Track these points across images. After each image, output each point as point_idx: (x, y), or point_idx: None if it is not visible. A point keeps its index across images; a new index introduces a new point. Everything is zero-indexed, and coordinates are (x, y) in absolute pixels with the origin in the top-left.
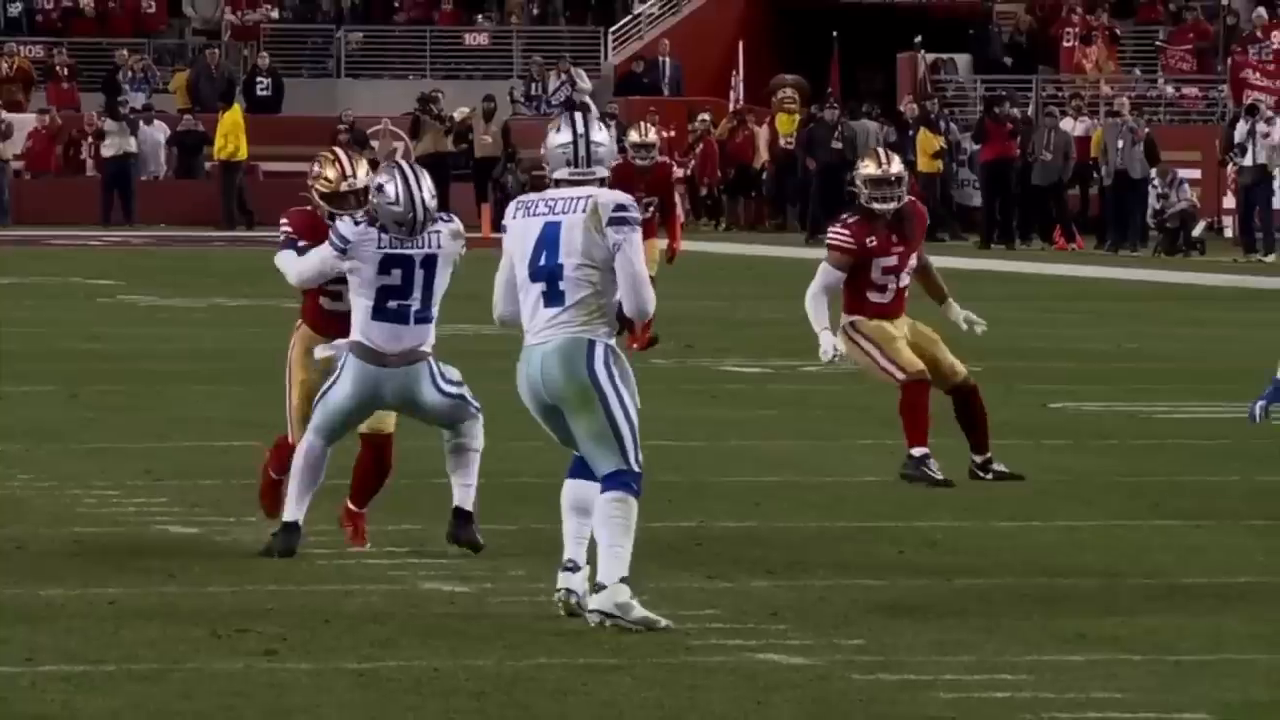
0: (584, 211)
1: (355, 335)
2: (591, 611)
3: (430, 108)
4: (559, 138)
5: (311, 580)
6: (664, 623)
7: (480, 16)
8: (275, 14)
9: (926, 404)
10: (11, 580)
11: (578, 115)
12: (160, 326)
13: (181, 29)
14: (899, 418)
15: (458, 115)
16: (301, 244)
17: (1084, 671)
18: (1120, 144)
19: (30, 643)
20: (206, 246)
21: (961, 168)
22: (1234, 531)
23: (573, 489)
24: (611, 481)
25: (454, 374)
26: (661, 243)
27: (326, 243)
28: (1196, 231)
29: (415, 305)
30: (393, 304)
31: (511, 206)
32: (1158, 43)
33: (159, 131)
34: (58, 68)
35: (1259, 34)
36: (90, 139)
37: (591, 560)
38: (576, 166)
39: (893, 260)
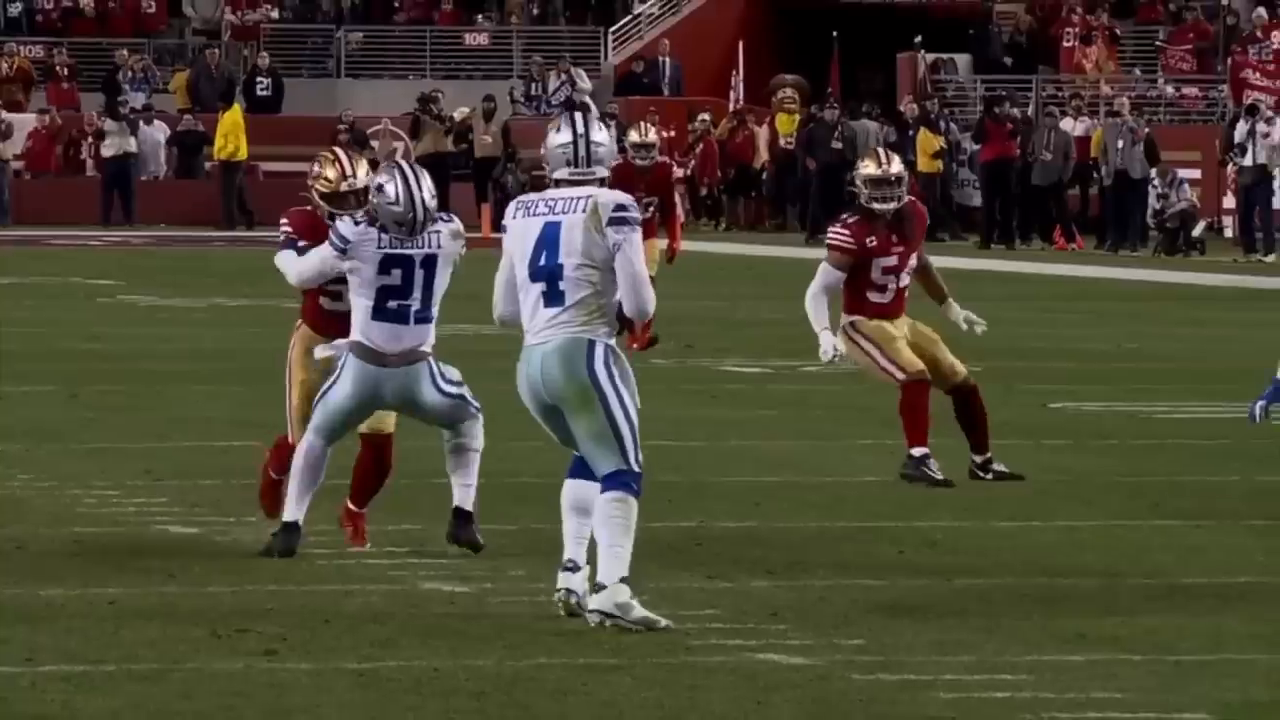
0: (584, 211)
1: (355, 335)
2: (591, 611)
3: (430, 108)
4: (559, 138)
5: (311, 580)
6: (664, 623)
7: (480, 16)
8: (275, 14)
9: (926, 404)
10: (11, 580)
11: (578, 115)
12: (160, 326)
13: (181, 29)
14: (899, 418)
15: (458, 115)
16: (301, 244)
17: (1084, 671)
18: (1120, 144)
19: (30, 643)
20: (206, 246)
21: (961, 168)
22: (1234, 531)
23: (573, 489)
24: (611, 481)
25: (454, 374)
26: (661, 243)
27: (326, 243)
28: (1196, 231)
29: (415, 305)
30: (393, 304)
31: (511, 206)
32: (1158, 43)
33: (159, 131)
34: (58, 68)
35: (1259, 34)
36: (90, 139)
37: (591, 560)
38: (576, 166)
39: (893, 260)
